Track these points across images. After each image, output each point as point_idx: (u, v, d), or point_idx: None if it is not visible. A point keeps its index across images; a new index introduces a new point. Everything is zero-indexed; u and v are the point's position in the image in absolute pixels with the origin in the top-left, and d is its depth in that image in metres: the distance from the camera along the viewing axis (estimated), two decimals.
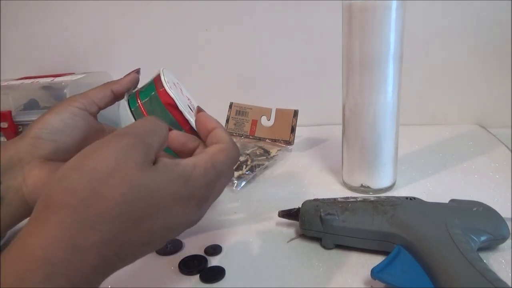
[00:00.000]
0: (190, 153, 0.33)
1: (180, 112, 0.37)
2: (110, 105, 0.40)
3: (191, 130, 0.37)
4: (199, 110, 0.34)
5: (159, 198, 0.25)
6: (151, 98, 0.38)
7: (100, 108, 0.40)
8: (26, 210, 0.35)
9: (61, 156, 0.36)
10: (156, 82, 0.39)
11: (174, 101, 0.37)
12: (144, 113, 0.38)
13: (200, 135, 0.33)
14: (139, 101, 0.38)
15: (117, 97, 0.40)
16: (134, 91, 0.41)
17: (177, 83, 0.43)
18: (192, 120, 0.37)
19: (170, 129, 0.32)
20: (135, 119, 0.38)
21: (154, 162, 0.27)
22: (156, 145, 0.28)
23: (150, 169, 0.25)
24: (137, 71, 0.42)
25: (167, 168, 0.26)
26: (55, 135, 0.36)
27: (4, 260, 0.21)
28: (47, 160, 0.36)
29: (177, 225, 0.27)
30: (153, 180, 0.25)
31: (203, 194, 0.28)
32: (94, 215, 0.23)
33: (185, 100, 0.40)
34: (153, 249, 0.27)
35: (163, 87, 0.38)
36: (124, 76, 0.41)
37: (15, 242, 0.22)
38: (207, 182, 0.28)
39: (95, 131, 0.39)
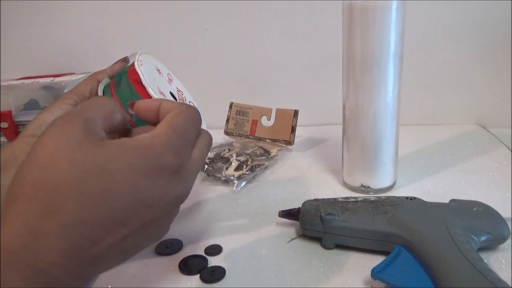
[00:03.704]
0: None
1: (144, 88, 0.36)
2: None
3: None
4: (132, 103, 0.33)
5: (113, 173, 0.24)
6: (121, 76, 0.38)
7: None
8: None
9: None
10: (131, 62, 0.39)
11: (139, 77, 0.36)
12: (112, 92, 0.37)
13: (151, 122, 0.31)
14: (111, 81, 0.38)
15: None
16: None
17: (168, 73, 0.42)
18: (155, 96, 0.36)
19: (133, 103, 0.31)
20: None
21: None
22: (99, 118, 0.26)
23: (96, 144, 0.24)
24: (124, 59, 0.41)
25: (118, 142, 0.25)
26: None
27: None
28: None
29: (156, 199, 0.26)
30: (100, 154, 0.24)
31: (172, 161, 0.26)
32: (50, 200, 0.22)
33: (164, 85, 0.39)
34: (141, 236, 0.26)
35: (133, 65, 0.37)
36: (111, 65, 0.41)
37: None
38: (172, 148, 0.27)
39: None
